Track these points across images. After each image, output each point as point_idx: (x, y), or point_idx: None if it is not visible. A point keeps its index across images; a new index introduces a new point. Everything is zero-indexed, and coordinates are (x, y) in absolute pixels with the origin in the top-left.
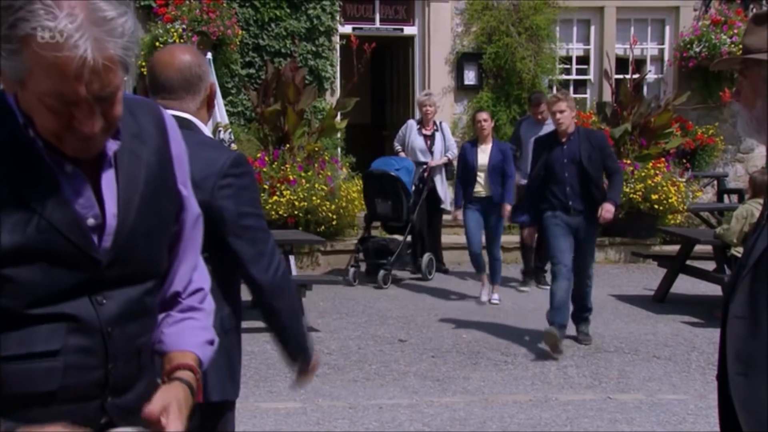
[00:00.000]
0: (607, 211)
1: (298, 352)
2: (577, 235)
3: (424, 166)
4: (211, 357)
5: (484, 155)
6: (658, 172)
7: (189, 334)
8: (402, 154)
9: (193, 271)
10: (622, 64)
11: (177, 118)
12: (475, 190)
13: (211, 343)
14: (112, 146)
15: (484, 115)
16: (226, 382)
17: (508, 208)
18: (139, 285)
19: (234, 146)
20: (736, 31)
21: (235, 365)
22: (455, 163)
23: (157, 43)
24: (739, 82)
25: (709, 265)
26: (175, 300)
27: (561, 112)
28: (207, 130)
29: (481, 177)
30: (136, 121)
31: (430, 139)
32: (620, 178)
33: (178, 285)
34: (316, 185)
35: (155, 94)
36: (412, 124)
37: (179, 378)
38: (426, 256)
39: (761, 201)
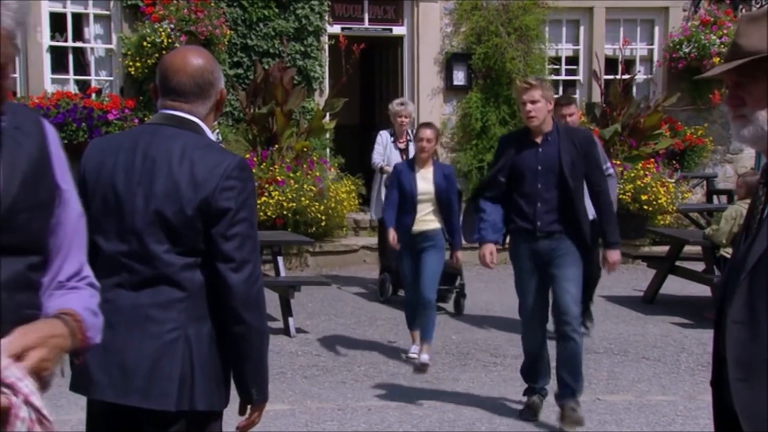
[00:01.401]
0: (613, 262)
1: (255, 381)
2: (547, 263)
3: None
4: (99, 329)
5: (425, 182)
6: (647, 172)
7: (74, 300)
8: (387, 168)
9: (79, 268)
10: (611, 64)
11: (185, 120)
12: (414, 228)
13: (96, 314)
14: None
15: (428, 133)
16: (213, 393)
17: (459, 255)
18: (23, 258)
19: (222, 146)
20: (725, 31)
21: (223, 376)
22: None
23: (145, 43)
24: (739, 86)
25: (699, 266)
26: (57, 285)
27: (533, 102)
28: (211, 134)
29: (421, 209)
30: (17, 118)
31: (404, 153)
32: (609, 201)
33: (62, 277)
34: (305, 186)
35: (165, 96)
36: (387, 137)
37: (54, 316)
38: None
39: None
